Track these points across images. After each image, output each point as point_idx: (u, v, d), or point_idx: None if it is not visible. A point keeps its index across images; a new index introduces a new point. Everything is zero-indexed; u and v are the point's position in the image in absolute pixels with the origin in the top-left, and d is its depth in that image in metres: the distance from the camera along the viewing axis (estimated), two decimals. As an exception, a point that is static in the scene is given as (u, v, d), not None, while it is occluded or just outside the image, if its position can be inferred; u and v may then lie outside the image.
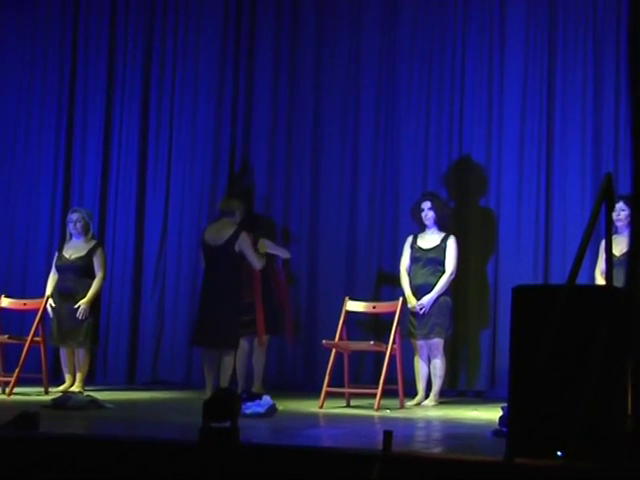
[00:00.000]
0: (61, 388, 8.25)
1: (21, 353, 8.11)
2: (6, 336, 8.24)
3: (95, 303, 8.39)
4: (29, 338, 8.15)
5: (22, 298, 8.72)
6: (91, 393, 7.56)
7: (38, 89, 9.83)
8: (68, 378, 8.43)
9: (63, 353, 8.46)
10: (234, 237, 8.15)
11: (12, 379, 7.99)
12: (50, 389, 8.16)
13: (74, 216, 8.51)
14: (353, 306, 7.95)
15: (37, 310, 8.31)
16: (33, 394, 8.05)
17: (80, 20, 9.82)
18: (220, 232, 8.22)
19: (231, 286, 8.13)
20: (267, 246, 8.47)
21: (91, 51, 9.79)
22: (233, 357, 8.16)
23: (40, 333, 8.22)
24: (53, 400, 6.99)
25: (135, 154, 9.59)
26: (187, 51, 9.59)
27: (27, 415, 5.29)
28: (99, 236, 9.08)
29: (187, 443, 4.56)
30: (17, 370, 8.00)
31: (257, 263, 8.22)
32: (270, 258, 8.50)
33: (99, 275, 8.38)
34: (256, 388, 8.05)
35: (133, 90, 9.66)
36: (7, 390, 8.00)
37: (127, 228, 9.54)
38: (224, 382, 8.05)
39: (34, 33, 9.91)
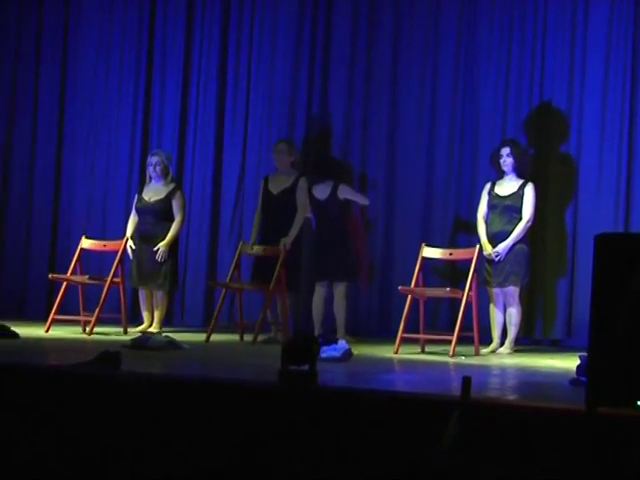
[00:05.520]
0: (139, 329, 8.38)
1: (101, 293, 8.25)
2: (86, 277, 8.37)
3: (174, 246, 8.49)
4: (109, 279, 8.29)
5: (102, 239, 8.85)
6: (169, 334, 7.68)
7: (118, 33, 9.87)
8: (146, 319, 8.56)
9: (142, 294, 8.59)
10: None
11: (92, 319, 8.15)
12: (129, 329, 8.31)
13: (154, 159, 8.58)
14: (429, 252, 7.93)
15: (116, 251, 8.43)
16: (112, 334, 8.21)
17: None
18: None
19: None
20: (346, 192, 8.50)
21: (170, -1, 9.82)
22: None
23: (119, 274, 8.35)
24: (132, 340, 7.11)
25: (214, 98, 9.59)
26: (265, 2, 9.53)
27: (109, 354, 5.40)
28: (177, 180, 9.15)
29: (266, 385, 4.62)
30: (97, 310, 8.15)
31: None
32: (348, 204, 8.52)
33: (178, 218, 8.46)
34: (340, 335, 8.10)
35: (211, 37, 9.62)
36: (87, 329, 8.17)
37: (205, 171, 9.57)
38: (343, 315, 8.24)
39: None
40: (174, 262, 8.50)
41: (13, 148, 10.09)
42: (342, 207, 8.48)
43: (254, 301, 8.82)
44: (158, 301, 8.50)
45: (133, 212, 8.64)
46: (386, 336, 8.39)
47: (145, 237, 8.45)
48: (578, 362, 5.73)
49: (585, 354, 4.63)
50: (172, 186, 8.58)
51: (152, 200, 8.51)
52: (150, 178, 8.61)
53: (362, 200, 8.67)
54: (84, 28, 9.96)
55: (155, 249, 8.37)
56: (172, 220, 8.47)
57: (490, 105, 8.85)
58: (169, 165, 8.62)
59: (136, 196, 8.69)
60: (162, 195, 8.51)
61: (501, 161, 8.07)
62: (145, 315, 8.57)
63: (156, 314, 8.50)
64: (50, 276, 8.63)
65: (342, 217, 8.49)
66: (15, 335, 7.44)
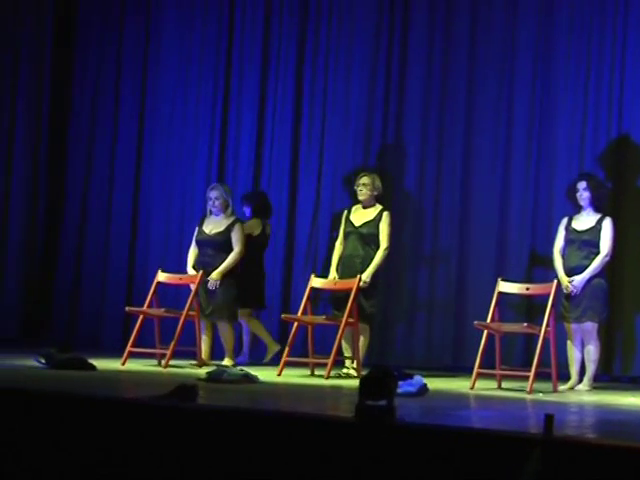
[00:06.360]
0: (195, 361, 8.37)
1: (177, 326, 8.29)
2: (163, 310, 8.44)
3: (231, 277, 8.51)
4: (184, 312, 8.33)
5: (178, 273, 8.91)
6: (243, 367, 7.69)
7: (195, 65, 10.03)
8: (203, 351, 8.49)
9: (202, 325, 8.57)
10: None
11: (168, 352, 8.19)
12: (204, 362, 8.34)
13: (212, 194, 8.68)
14: (506, 287, 7.84)
15: (192, 285, 8.48)
16: (187, 367, 8.25)
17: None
18: None
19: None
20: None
21: (247, 26, 9.90)
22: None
23: (195, 307, 8.40)
24: (208, 373, 7.15)
25: (288, 132, 9.67)
26: (341, 29, 9.57)
27: (186, 387, 5.42)
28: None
29: (344, 420, 4.59)
30: (173, 343, 8.19)
31: None
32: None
33: (236, 249, 8.53)
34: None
35: (287, 67, 9.73)
36: (163, 362, 8.22)
37: (279, 205, 9.60)
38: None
39: (192, 9, 10.09)
40: (232, 293, 8.51)
41: (91, 182, 10.28)
42: None
43: (328, 334, 8.80)
44: (224, 333, 8.53)
45: (193, 244, 8.72)
46: (460, 371, 8.32)
47: (205, 269, 8.51)
48: (661, 400, 5.62)
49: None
50: (232, 219, 8.66)
51: (212, 232, 8.61)
52: (210, 211, 8.70)
53: None
54: (163, 62, 10.13)
55: (208, 278, 8.42)
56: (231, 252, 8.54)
57: (566, 137, 8.78)
58: (229, 198, 8.71)
59: (196, 228, 8.77)
60: (222, 228, 8.60)
61: (578, 195, 7.98)
62: (203, 347, 8.53)
63: (225, 346, 8.54)
64: (127, 309, 8.71)
65: None
66: (92, 368, 7.54)
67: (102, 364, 7.78)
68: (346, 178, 9.26)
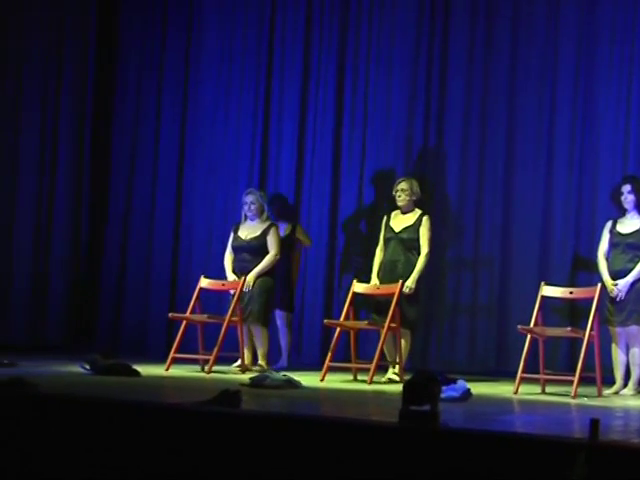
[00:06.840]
0: (235, 365, 8.43)
1: (220, 332, 8.32)
2: (205, 316, 8.48)
3: (268, 281, 8.54)
4: (227, 318, 8.37)
5: (220, 279, 8.94)
6: (286, 373, 7.70)
7: (237, 73, 10.05)
8: (245, 357, 8.52)
9: (245, 331, 8.59)
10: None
11: (211, 357, 8.23)
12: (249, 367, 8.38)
13: (248, 198, 8.72)
14: (549, 291, 7.82)
15: (234, 291, 8.51)
16: (231, 372, 8.29)
17: (277, 1, 9.98)
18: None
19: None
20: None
21: (287, 34, 9.92)
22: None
23: (237, 313, 8.43)
24: (251, 379, 7.18)
25: (330, 138, 9.67)
26: (382, 34, 9.56)
27: (230, 393, 5.45)
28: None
29: (388, 425, 4.59)
30: (216, 349, 8.23)
31: None
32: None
33: (272, 252, 8.58)
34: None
35: (328, 73, 9.72)
36: (206, 368, 8.26)
37: (321, 212, 9.62)
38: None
39: (233, 14, 10.12)
40: (267, 297, 8.55)
41: (134, 190, 10.34)
42: None
43: (370, 339, 8.80)
44: (256, 337, 8.55)
45: (228, 250, 8.76)
46: (504, 375, 8.29)
47: (241, 274, 8.54)
48: None
49: None
50: (268, 223, 8.72)
51: (248, 238, 8.65)
52: (246, 217, 8.75)
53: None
54: (204, 66, 10.15)
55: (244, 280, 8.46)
56: None
57: (610, 140, 8.71)
58: (264, 203, 8.76)
59: (232, 234, 8.80)
60: (258, 232, 8.65)
61: (622, 198, 7.95)
62: (246, 352, 8.55)
63: (258, 350, 8.56)
64: (170, 315, 8.76)
65: None
66: (137, 373, 7.60)
67: (146, 370, 7.84)
68: (387, 183, 9.25)
